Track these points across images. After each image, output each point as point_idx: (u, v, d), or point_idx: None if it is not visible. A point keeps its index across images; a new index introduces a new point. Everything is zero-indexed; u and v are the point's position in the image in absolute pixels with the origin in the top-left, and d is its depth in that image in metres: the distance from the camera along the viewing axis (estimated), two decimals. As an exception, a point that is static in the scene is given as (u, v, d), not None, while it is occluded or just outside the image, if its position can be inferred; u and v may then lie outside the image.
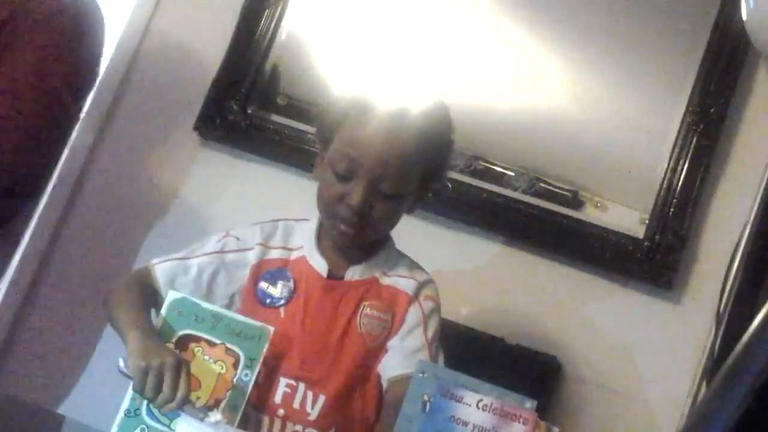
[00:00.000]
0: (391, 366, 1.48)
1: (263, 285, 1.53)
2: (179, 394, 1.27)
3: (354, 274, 1.54)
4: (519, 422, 1.05)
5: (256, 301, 1.53)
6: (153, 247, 2.26)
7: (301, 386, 1.47)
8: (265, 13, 2.37)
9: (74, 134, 2.46)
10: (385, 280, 1.55)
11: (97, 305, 2.34)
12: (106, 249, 2.37)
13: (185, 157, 2.39)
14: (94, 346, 2.31)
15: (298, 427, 1.46)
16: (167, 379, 1.27)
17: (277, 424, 1.46)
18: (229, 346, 1.34)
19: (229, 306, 1.54)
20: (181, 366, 1.30)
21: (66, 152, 2.47)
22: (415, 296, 1.54)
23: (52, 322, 2.37)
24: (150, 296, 1.51)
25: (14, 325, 2.38)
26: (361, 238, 1.53)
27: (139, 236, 2.36)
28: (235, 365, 1.33)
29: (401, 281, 1.55)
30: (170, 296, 1.39)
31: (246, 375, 1.32)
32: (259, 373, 1.36)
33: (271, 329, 1.34)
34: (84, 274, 2.38)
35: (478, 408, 1.07)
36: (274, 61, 2.37)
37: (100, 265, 2.37)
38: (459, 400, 1.08)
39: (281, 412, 1.46)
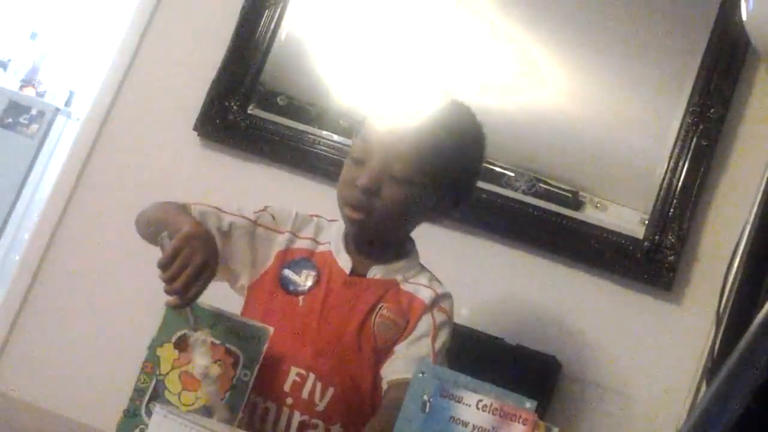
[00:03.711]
0: (393, 369, 1.47)
1: (288, 272, 1.55)
2: (187, 294, 1.30)
3: (376, 273, 1.55)
4: (519, 422, 1.05)
5: (278, 286, 1.54)
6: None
7: (311, 377, 1.47)
8: (265, 14, 2.37)
9: (75, 134, 2.47)
10: (406, 286, 1.56)
11: (97, 305, 2.34)
12: (106, 249, 2.37)
13: (185, 157, 2.39)
14: (94, 346, 2.31)
15: (305, 417, 1.46)
16: (189, 272, 1.29)
17: (285, 412, 1.46)
18: (228, 346, 1.33)
19: (239, 273, 1.56)
20: (209, 274, 1.32)
21: (66, 152, 2.47)
22: (431, 306, 1.54)
23: (52, 322, 2.37)
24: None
25: (14, 325, 2.38)
26: (368, 223, 1.52)
27: (139, 236, 2.36)
28: (235, 365, 1.33)
29: (421, 289, 1.56)
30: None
31: (245, 375, 1.32)
32: (270, 359, 1.36)
33: (271, 329, 1.34)
34: (84, 274, 2.38)
35: (478, 408, 1.07)
36: (274, 61, 2.37)
37: (100, 265, 2.37)
38: (459, 400, 1.07)
39: (289, 401, 1.46)
